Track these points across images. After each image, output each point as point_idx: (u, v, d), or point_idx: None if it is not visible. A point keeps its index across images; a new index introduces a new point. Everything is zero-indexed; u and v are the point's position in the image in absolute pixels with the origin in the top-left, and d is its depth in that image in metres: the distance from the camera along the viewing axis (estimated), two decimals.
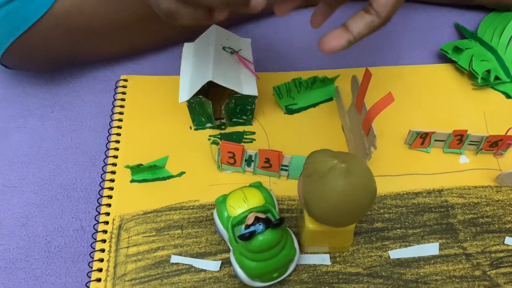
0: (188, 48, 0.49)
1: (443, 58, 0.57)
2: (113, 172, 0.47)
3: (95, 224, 0.44)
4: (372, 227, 0.44)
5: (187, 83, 0.46)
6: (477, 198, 0.46)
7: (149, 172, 0.47)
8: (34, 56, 0.51)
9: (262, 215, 0.38)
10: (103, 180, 0.47)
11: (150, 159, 0.48)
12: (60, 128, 0.52)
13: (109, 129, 0.51)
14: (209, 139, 0.50)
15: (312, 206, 0.35)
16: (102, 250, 0.43)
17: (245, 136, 0.50)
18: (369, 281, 0.41)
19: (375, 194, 0.35)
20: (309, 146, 0.48)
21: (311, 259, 0.42)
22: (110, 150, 0.49)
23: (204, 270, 0.42)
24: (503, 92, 0.54)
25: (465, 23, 0.60)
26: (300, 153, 0.45)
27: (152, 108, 0.52)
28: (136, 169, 0.46)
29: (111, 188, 0.46)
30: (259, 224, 0.36)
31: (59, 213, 0.46)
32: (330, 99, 0.53)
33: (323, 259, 0.42)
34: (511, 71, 0.54)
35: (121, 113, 0.52)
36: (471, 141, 0.48)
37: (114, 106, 0.53)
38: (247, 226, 0.37)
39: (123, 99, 0.53)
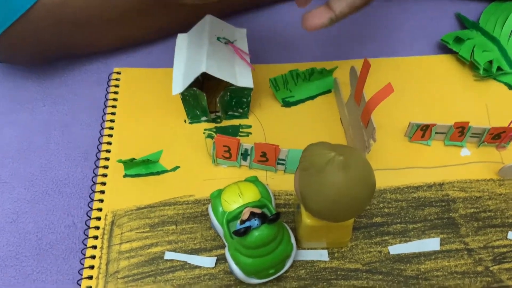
0: (181, 39, 0.48)
1: (443, 48, 0.56)
2: (106, 167, 0.46)
3: (87, 220, 0.43)
4: (371, 222, 0.43)
5: (181, 75, 0.45)
6: (479, 192, 0.45)
7: (142, 167, 0.46)
8: (24, 49, 0.50)
9: (257, 210, 0.36)
10: (96, 175, 0.46)
11: (143, 154, 0.47)
12: (51, 122, 0.51)
13: (101, 123, 0.50)
14: (204, 133, 0.49)
15: (309, 200, 0.34)
16: (94, 247, 0.42)
17: (241, 130, 0.49)
18: (368, 277, 0.40)
19: (374, 188, 0.34)
20: (306, 139, 0.46)
21: (308, 255, 0.41)
22: (102, 144, 0.48)
23: (199, 267, 0.41)
24: (506, 83, 0.52)
25: (466, 13, 0.59)
26: (298, 146, 0.44)
27: (146, 101, 0.51)
28: (129, 163, 0.45)
29: (103, 183, 0.45)
30: (255, 220, 0.35)
31: (50, 209, 0.45)
32: (328, 91, 0.52)
33: (321, 255, 0.41)
34: None
35: (114, 106, 0.51)
36: (472, 134, 0.47)
37: (106, 99, 0.51)
38: (242, 222, 0.36)
39: (116, 92, 0.52)
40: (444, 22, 0.59)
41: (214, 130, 0.49)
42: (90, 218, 0.43)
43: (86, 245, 0.42)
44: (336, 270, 0.41)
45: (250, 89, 0.45)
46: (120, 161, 0.44)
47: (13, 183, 0.46)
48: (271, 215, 0.36)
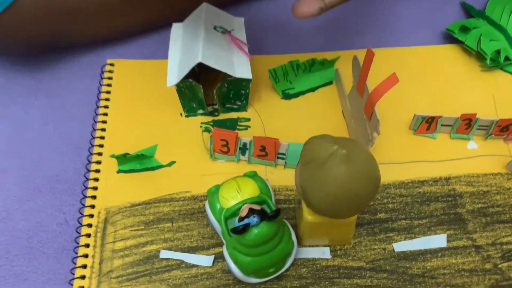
0: (176, 29, 0.46)
1: (449, 38, 0.54)
2: (99, 162, 0.45)
3: (79, 218, 0.42)
4: (375, 218, 0.41)
5: (176, 66, 0.43)
6: (486, 186, 0.43)
7: (136, 162, 0.44)
8: (13, 40, 0.48)
9: (256, 207, 0.35)
10: (88, 171, 0.44)
11: (138, 148, 0.45)
12: (43, 117, 0.49)
13: (94, 117, 0.48)
14: (201, 127, 0.47)
15: (310, 196, 0.32)
16: (87, 245, 0.40)
17: (239, 123, 0.47)
18: (372, 275, 0.39)
19: (379, 183, 0.32)
20: (307, 132, 0.44)
21: (310, 253, 0.40)
22: (95, 139, 0.46)
23: (196, 266, 0.39)
24: None
25: (472, 2, 0.57)
26: (298, 140, 0.42)
27: (140, 94, 0.49)
28: (123, 158, 0.43)
29: (96, 179, 0.44)
30: (254, 216, 0.34)
31: (41, 206, 0.43)
32: (330, 83, 0.50)
33: (323, 253, 0.40)
34: None
35: (107, 99, 0.49)
36: (480, 126, 0.45)
37: (100, 92, 0.50)
38: (241, 219, 0.34)
39: (109, 85, 0.50)
40: (449, 11, 0.57)
41: (211, 123, 0.47)
42: (83, 216, 0.42)
43: (78, 244, 0.40)
44: (338, 268, 0.39)
45: (248, 81, 0.43)
46: (113, 156, 0.43)
47: (3, 180, 0.45)
48: (271, 211, 0.35)
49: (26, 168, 0.45)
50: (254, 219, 0.34)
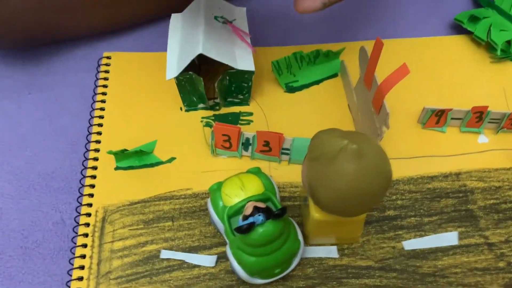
0: (175, 20, 0.44)
1: (457, 29, 0.52)
2: (96, 159, 0.43)
3: (76, 217, 0.40)
4: (384, 216, 0.40)
5: (175, 58, 0.41)
6: (498, 181, 0.42)
7: (135, 158, 0.43)
8: (5, 33, 0.46)
9: (261, 205, 0.33)
10: (85, 168, 0.42)
11: (136, 144, 0.43)
12: (37, 112, 0.47)
13: (91, 112, 0.46)
14: (201, 121, 0.45)
15: (318, 193, 0.30)
16: (84, 245, 0.38)
17: (241, 118, 0.46)
18: (382, 275, 0.37)
19: (391, 179, 0.31)
20: (312, 127, 0.43)
21: (316, 252, 0.38)
22: (92, 135, 0.44)
23: (198, 266, 0.38)
24: None
25: None
26: (302, 135, 0.40)
27: (138, 87, 0.48)
28: (121, 155, 0.41)
29: (93, 177, 0.42)
30: (259, 215, 0.32)
31: (36, 205, 0.41)
32: (335, 75, 0.48)
33: (330, 252, 0.38)
34: None
35: (104, 93, 0.47)
36: (491, 119, 0.43)
37: (96, 86, 0.48)
38: (245, 217, 0.33)
39: (106, 78, 0.48)
40: (457, 1, 0.56)
41: (213, 118, 0.45)
42: (80, 214, 0.40)
43: (75, 244, 0.39)
44: (346, 267, 0.38)
45: (251, 73, 0.42)
46: (110, 152, 0.41)
47: None
48: (277, 209, 0.33)
49: (19, 165, 0.44)
50: (259, 218, 0.32)
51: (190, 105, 0.45)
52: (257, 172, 0.39)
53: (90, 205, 0.40)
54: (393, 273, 0.37)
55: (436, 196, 0.41)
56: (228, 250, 0.35)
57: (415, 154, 0.43)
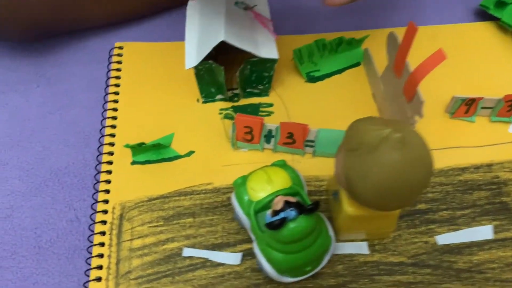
0: (193, 7, 0.42)
1: (483, 15, 0.51)
2: (111, 153, 0.41)
3: (92, 214, 0.38)
4: (415, 209, 0.38)
5: (194, 47, 0.39)
6: None
7: (152, 152, 0.41)
8: (13, 24, 0.44)
9: (292, 199, 0.31)
10: (100, 163, 0.40)
11: (152, 138, 0.41)
12: (47, 105, 0.45)
13: (104, 104, 0.44)
14: (220, 113, 0.43)
15: (356, 186, 0.29)
16: (102, 244, 0.36)
17: (261, 109, 0.44)
18: (415, 271, 0.35)
19: (432, 170, 0.29)
20: (334, 118, 0.42)
21: (346, 248, 0.36)
22: (106, 128, 0.42)
23: (222, 264, 0.36)
24: None
25: None
26: (324, 126, 0.39)
27: (152, 78, 0.45)
28: (138, 148, 0.39)
29: (109, 172, 0.40)
30: (291, 210, 0.30)
31: (49, 202, 0.39)
32: (357, 65, 0.46)
33: (360, 248, 0.36)
34: None
35: (117, 85, 0.45)
36: None
37: (108, 78, 0.46)
38: (275, 212, 0.31)
39: (118, 70, 0.46)
40: None
41: (231, 109, 0.43)
42: (96, 212, 0.38)
43: (92, 242, 0.37)
44: (378, 264, 0.36)
45: (274, 61, 0.40)
46: (127, 146, 0.39)
47: (5, 174, 0.41)
48: (309, 204, 0.31)
49: (30, 161, 0.42)
50: (291, 213, 0.30)
51: (207, 97, 0.43)
52: (283, 165, 0.37)
53: (106, 201, 0.38)
54: (427, 269, 0.36)
55: (468, 189, 0.39)
56: (256, 247, 0.33)
57: (444, 145, 0.41)
